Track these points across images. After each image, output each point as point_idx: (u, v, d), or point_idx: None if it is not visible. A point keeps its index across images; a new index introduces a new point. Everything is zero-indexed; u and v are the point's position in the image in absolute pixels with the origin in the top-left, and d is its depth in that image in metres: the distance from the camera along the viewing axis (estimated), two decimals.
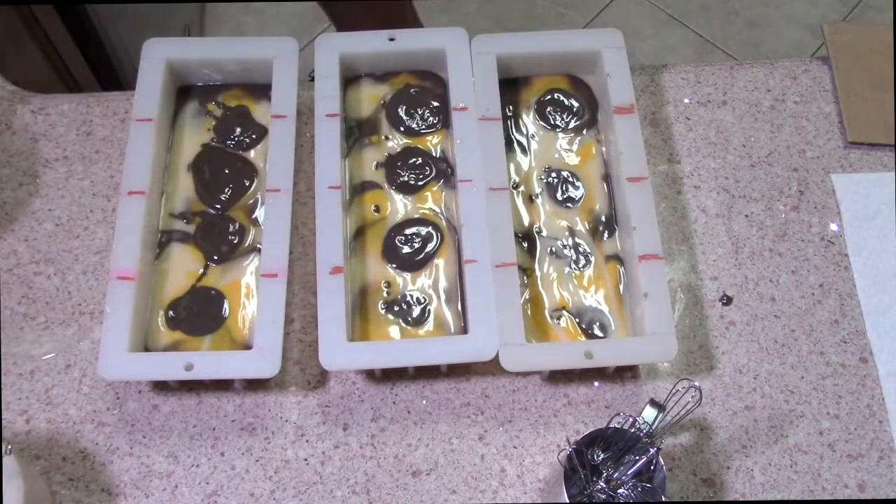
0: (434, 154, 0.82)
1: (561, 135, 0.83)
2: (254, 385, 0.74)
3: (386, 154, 0.81)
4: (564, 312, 0.75)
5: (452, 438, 0.72)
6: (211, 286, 0.75)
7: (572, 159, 0.82)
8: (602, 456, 0.62)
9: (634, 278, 0.74)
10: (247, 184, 0.80)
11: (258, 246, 0.76)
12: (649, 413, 0.60)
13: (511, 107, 0.85)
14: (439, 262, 0.76)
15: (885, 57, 0.90)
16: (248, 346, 0.72)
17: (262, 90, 0.84)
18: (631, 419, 0.61)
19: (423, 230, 0.78)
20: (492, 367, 0.74)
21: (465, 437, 0.72)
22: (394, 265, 0.76)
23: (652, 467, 0.61)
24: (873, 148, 0.87)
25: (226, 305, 0.74)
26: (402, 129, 0.83)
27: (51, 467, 0.70)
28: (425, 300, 0.75)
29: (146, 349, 0.72)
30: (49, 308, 0.76)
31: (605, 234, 0.79)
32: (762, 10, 2.04)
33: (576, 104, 0.85)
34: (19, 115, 0.86)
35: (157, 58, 0.81)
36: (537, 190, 0.81)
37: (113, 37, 1.36)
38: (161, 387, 0.73)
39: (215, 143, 0.82)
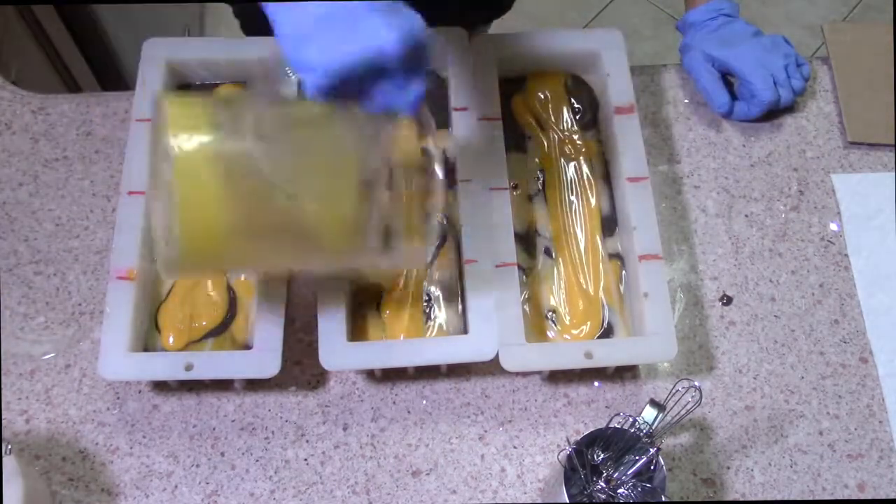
0: (434, 154, 0.81)
1: (561, 135, 0.83)
2: (254, 385, 0.74)
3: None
4: None
5: (452, 438, 0.72)
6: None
7: (572, 159, 0.82)
8: (602, 456, 0.62)
9: (634, 278, 0.74)
10: None
11: None
12: (649, 413, 0.60)
13: (510, 106, 0.85)
14: (439, 262, 0.76)
15: (885, 57, 0.90)
16: (248, 347, 0.72)
17: None
18: (631, 419, 0.61)
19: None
20: (492, 367, 0.74)
21: (465, 437, 0.72)
22: None
23: (652, 467, 0.61)
24: (873, 148, 0.87)
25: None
26: None
27: (51, 467, 0.70)
28: (425, 300, 0.75)
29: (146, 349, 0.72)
30: (49, 308, 0.76)
31: (606, 234, 0.78)
32: (762, 9, 2.04)
33: (576, 104, 0.85)
34: (19, 115, 0.86)
35: (157, 58, 0.81)
36: (536, 190, 0.81)
37: (113, 37, 1.36)
38: (161, 387, 0.73)
39: None
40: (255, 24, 1.04)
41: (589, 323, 0.74)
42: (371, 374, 0.74)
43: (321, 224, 0.58)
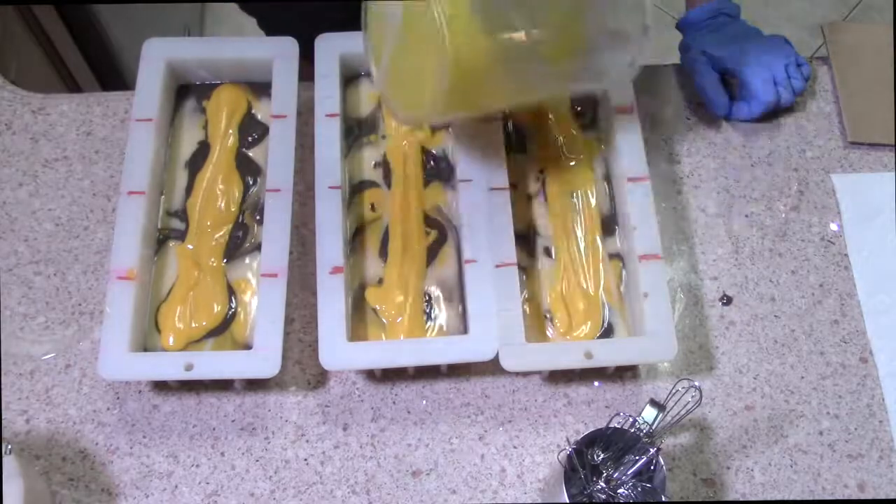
0: (434, 153, 0.82)
1: (561, 135, 0.83)
2: (254, 385, 0.74)
3: (384, 153, 0.81)
4: None
5: (452, 438, 0.72)
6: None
7: (572, 159, 0.82)
8: (602, 456, 0.62)
9: (634, 278, 0.74)
10: (248, 182, 0.80)
11: (259, 245, 0.76)
12: (649, 413, 0.60)
13: (510, 107, 0.84)
14: (439, 262, 0.76)
15: (885, 57, 0.90)
16: (248, 346, 0.72)
17: (262, 88, 0.84)
18: (631, 419, 0.61)
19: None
20: (492, 367, 0.74)
21: (465, 437, 0.72)
22: None
23: (652, 467, 0.61)
24: (873, 148, 0.87)
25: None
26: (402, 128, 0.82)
27: (51, 467, 0.70)
28: (425, 300, 0.75)
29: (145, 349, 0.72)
30: (49, 308, 0.76)
31: (606, 234, 0.78)
32: (762, 10, 2.04)
33: (576, 104, 0.85)
34: (19, 115, 0.86)
35: (157, 58, 0.81)
36: (536, 190, 0.81)
37: (113, 37, 1.36)
38: (161, 387, 0.73)
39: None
40: (275, 19, 1.04)
41: (589, 323, 0.74)
42: (371, 374, 0.74)
43: (555, 49, 0.66)
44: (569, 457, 0.61)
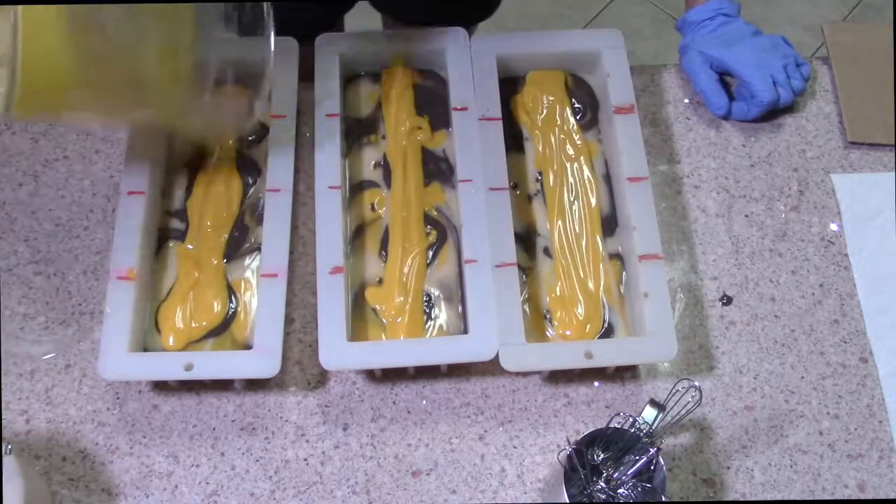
0: (434, 153, 0.82)
1: (561, 135, 0.83)
2: (254, 385, 0.74)
3: (384, 153, 0.81)
4: None
5: (452, 438, 0.72)
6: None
7: (572, 159, 0.82)
8: (602, 456, 0.62)
9: (634, 278, 0.74)
10: (248, 182, 0.80)
11: (259, 245, 0.76)
12: (649, 413, 0.60)
13: (510, 106, 0.85)
14: (439, 262, 0.76)
15: (885, 57, 0.90)
16: (248, 346, 0.72)
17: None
18: (631, 419, 0.61)
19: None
20: (492, 367, 0.74)
21: (465, 437, 0.72)
22: None
23: (652, 467, 0.61)
24: (873, 148, 0.87)
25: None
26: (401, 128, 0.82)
27: (51, 467, 0.70)
28: (425, 300, 0.75)
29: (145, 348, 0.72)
30: (49, 308, 0.76)
31: (606, 234, 0.78)
32: (762, 10, 2.04)
33: (576, 104, 0.85)
34: None
35: None
36: (536, 190, 0.81)
37: None
38: (161, 387, 0.73)
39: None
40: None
41: (589, 323, 0.74)
42: (371, 374, 0.74)
43: (156, 76, 0.64)
44: (569, 457, 0.61)
